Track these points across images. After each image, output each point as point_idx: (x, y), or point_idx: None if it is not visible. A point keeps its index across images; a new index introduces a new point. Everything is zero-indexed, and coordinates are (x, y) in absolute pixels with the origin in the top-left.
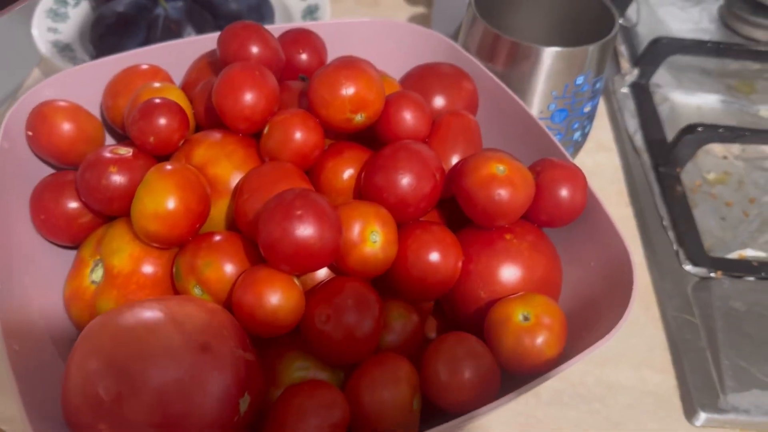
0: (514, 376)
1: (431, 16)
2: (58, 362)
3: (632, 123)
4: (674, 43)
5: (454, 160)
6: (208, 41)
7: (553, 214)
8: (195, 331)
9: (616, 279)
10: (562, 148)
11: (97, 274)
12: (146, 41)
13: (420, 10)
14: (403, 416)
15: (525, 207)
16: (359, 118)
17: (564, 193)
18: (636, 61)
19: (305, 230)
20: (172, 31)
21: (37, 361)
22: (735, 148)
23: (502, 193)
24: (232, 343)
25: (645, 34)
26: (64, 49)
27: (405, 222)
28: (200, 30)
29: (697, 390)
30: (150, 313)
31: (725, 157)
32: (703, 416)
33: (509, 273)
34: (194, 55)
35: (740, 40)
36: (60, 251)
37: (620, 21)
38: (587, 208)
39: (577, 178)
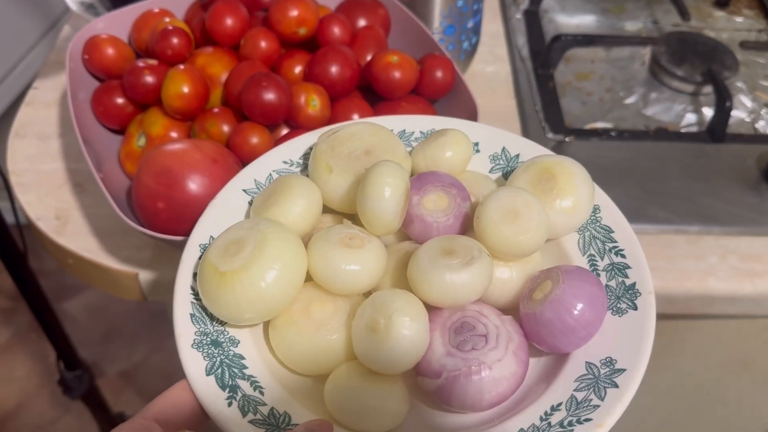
0: None
1: None
2: (123, 188)
3: (521, 40)
4: None
5: (368, 57)
6: None
7: (432, 88)
8: (209, 152)
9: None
10: (441, 47)
11: (141, 141)
12: None
13: None
14: None
15: (412, 84)
16: (302, 31)
17: (438, 74)
18: None
19: (268, 95)
20: None
21: (115, 187)
22: (601, 53)
23: (396, 74)
24: (231, 160)
25: None
26: (89, 8)
27: (336, 96)
28: None
29: None
30: (182, 144)
31: (593, 61)
32: None
33: None
34: (187, 2)
35: None
36: (109, 134)
37: None
38: (456, 85)
39: (447, 64)
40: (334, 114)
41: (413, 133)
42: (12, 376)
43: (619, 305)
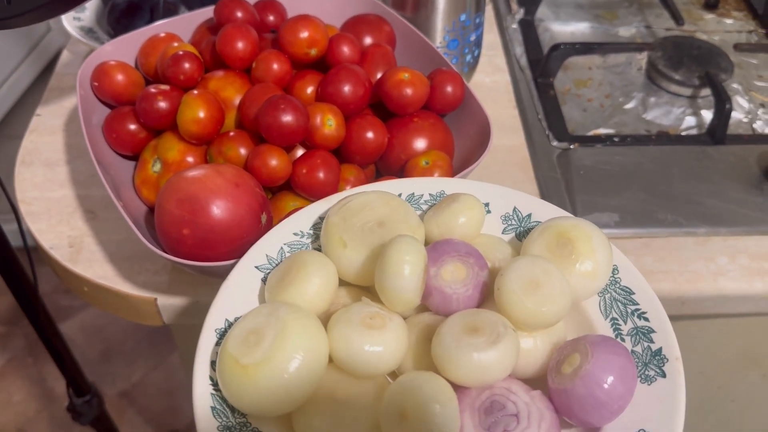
0: None
1: None
2: (140, 214)
3: (519, 49)
4: None
5: (378, 75)
6: (201, 14)
7: (443, 103)
8: (231, 176)
9: (484, 137)
10: (448, 61)
11: (157, 167)
12: (151, 21)
13: None
14: None
15: (423, 100)
16: (313, 52)
17: (449, 89)
18: (521, 1)
19: (287, 117)
20: (171, 11)
21: (132, 214)
22: (597, 60)
23: (408, 90)
24: (252, 183)
25: None
26: (88, 32)
27: (350, 115)
28: (190, 7)
29: None
30: (203, 170)
31: (590, 68)
32: None
33: (418, 142)
34: (192, 25)
35: None
36: (122, 160)
37: None
38: (466, 99)
39: (456, 79)
40: (348, 132)
41: (422, 195)
42: (10, 401)
43: (647, 372)
